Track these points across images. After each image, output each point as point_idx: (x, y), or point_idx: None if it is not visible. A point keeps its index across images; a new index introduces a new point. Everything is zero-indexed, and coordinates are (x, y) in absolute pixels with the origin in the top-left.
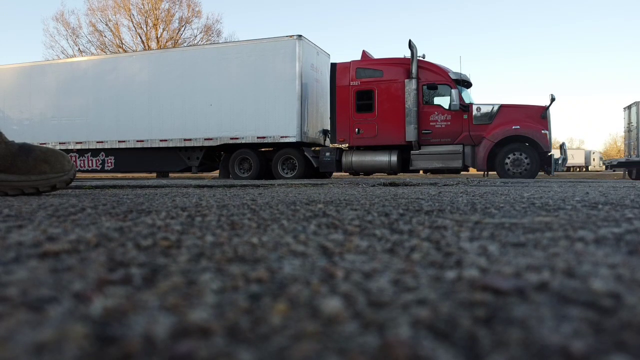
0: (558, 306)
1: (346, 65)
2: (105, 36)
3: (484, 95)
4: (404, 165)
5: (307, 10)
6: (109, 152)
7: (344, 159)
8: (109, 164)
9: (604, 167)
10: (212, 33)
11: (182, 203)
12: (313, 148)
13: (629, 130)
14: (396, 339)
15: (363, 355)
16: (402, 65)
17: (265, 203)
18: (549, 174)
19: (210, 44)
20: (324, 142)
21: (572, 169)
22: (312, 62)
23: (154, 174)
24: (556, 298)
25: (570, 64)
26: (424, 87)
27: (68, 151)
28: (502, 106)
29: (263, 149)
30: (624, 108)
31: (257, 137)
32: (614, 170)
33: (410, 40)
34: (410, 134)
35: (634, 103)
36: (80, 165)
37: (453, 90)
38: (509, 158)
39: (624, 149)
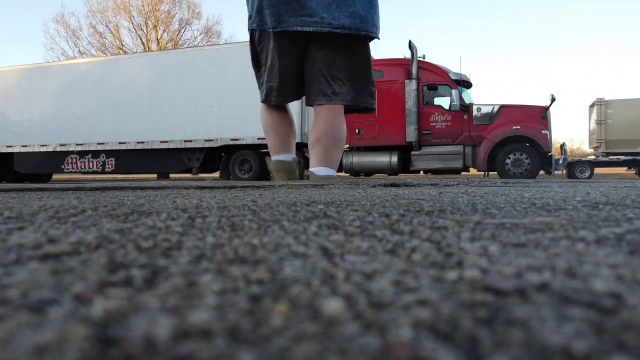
0: (559, 306)
1: None
2: (105, 38)
3: (484, 96)
4: (405, 165)
5: None
6: (109, 153)
7: (344, 160)
8: (110, 166)
9: None
10: (212, 34)
11: (182, 204)
12: None
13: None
14: (397, 340)
15: (364, 356)
16: (402, 66)
17: (266, 204)
18: (550, 174)
19: (211, 45)
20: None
21: None
22: None
23: (155, 175)
24: (557, 298)
25: (571, 64)
26: (424, 88)
27: (69, 153)
28: (502, 106)
29: (263, 150)
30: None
31: (258, 138)
32: None
33: (410, 41)
34: (411, 134)
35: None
36: (81, 166)
37: (453, 91)
38: (509, 158)
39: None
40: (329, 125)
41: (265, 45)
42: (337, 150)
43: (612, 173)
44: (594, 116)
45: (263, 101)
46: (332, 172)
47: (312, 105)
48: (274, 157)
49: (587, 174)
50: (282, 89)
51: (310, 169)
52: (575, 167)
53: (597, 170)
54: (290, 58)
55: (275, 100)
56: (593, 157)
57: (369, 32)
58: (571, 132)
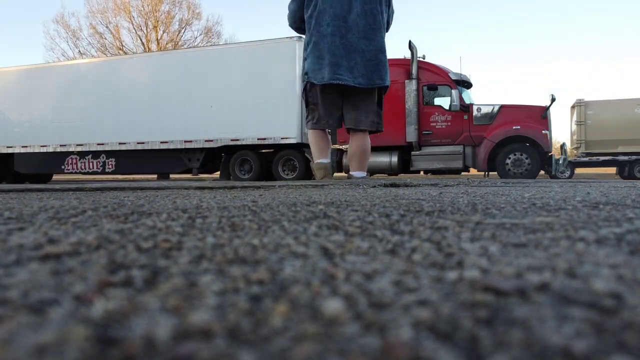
0: (559, 306)
1: None
2: (105, 38)
3: (484, 96)
4: (405, 166)
5: None
6: (109, 154)
7: (344, 160)
8: (110, 166)
9: None
10: (213, 35)
11: (182, 205)
12: None
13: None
14: (397, 340)
15: (364, 357)
16: (402, 66)
17: (266, 204)
18: (550, 174)
19: (211, 45)
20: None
21: None
22: None
23: (155, 176)
24: (557, 298)
25: (572, 65)
26: (424, 88)
27: (69, 153)
28: (502, 106)
29: (263, 150)
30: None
31: (258, 139)
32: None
33: (410, 41)
34: (411, 134)
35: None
36: (81, 167)
37: (453, 91)
38: (509, 158)
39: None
40: (360, 145)
41: (314, 91)
42: (366, 159)
43: (591, 173)
44: (575, 117)
45: (312, 127)
46: (365, 174)
47: (349, 130)
48: (316, 160)
49: (567, 174)
50: (324, 118)
51: (351, 172)
52: None
53: (577, 171)
54: (329, 100)
55: (322, 125)
56: (573, 157)
57: (375, 85)
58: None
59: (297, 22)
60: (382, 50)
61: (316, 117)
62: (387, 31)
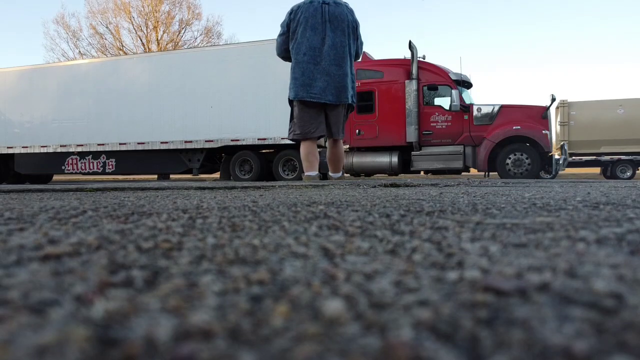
0: (560, 307)
1: None
2: (105, 39)
3: (484, 97)
4: (405, 166)
5: None
6: (110, 154)
7: (344, 160)
8: (110, 166)
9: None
10: (213, 35)
11: (183, 205)
12: None
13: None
14: (398, 341)
15: (365, 357)
16: (402, 66)
17: (266, 205)
18: (550, 174)
19: (211, 45)
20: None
21: None
22: None
23: (155, 176)
24: (558, 298)
25: (572, 65)
26: (425, 88)
27: (69, 154)
28: (502, 106)
29: (264, 151)
30: None
31: (258, 139)
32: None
33: (410, 41)
34: (411, 134)
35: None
36: (81, 167)
37: (453, 91)
38: (509, 158)
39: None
40: (335, 152)
41: (297, 107)
42: (342, 163)
43: (576, 173)
44: (558, 118)
45: (291, 138)
46: (340, 174)
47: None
48: (306, 173)
49: (552, 175)
50: (303, 130)
51: (330, 174)
52: None
53: (562, 171)
54: (309, 114)
55: (302, 136)
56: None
57: (342, 102)
58: None
59: (283, 52)
60: (348, 74)
61: (295, 130)
62: (357, 59)
